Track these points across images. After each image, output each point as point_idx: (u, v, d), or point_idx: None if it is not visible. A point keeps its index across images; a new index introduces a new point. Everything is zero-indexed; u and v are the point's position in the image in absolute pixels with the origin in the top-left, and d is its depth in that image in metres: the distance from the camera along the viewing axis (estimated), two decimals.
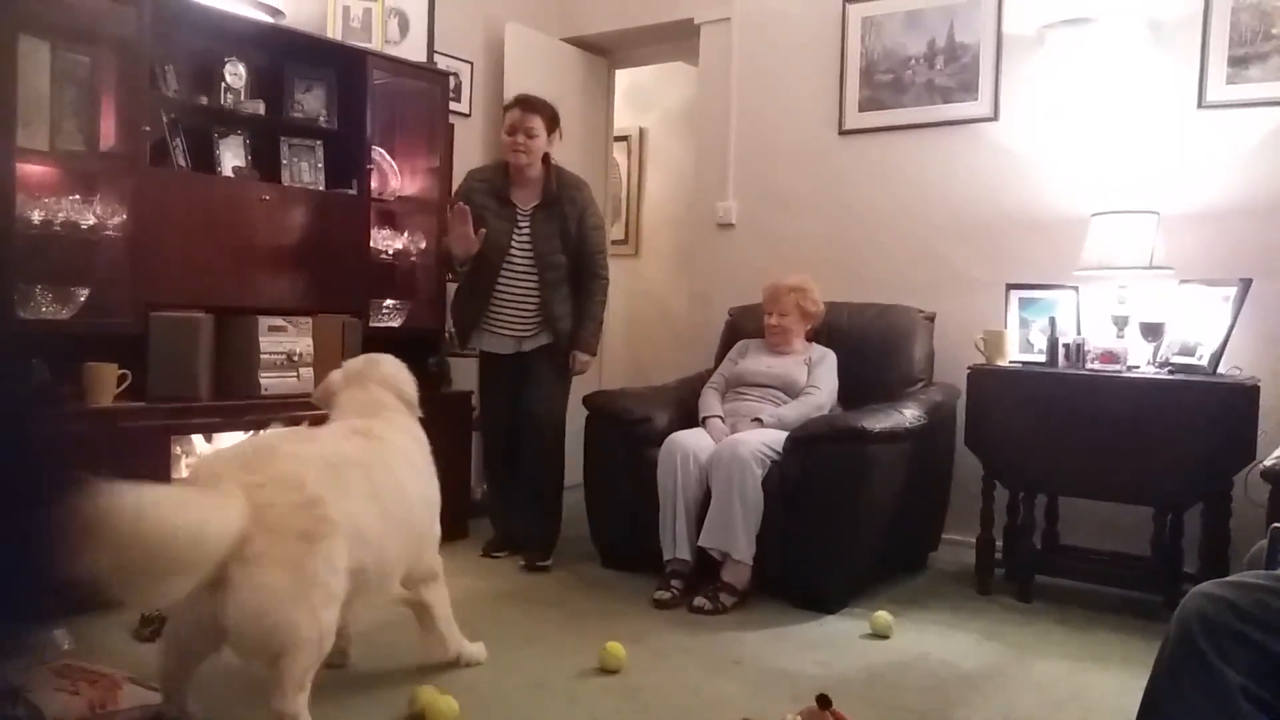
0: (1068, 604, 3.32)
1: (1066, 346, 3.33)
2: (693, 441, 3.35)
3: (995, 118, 3.90)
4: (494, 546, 3.83)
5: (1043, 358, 3.40)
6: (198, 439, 3.41)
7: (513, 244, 3.63)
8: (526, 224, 3.64)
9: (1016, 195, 3.87)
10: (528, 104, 3.63)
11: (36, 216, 3.00)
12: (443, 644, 2.57)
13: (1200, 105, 3.48)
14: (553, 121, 3.67)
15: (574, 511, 3.95)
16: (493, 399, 3.82)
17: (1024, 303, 3.59)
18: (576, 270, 3.70)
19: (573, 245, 3.66)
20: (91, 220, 3.11)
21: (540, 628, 2.97)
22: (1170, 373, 3.15)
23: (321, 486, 2.06)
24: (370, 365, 2.68)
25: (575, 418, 3.84)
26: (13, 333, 2.85)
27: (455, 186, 3.93)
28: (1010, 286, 3.63)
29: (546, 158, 3.68)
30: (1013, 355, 3.52)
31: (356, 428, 2.41)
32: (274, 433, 2.65)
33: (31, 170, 3.06)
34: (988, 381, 3.42)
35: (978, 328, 3.63)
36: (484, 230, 3.51)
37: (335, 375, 2.67)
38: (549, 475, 3.75)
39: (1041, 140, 3.81)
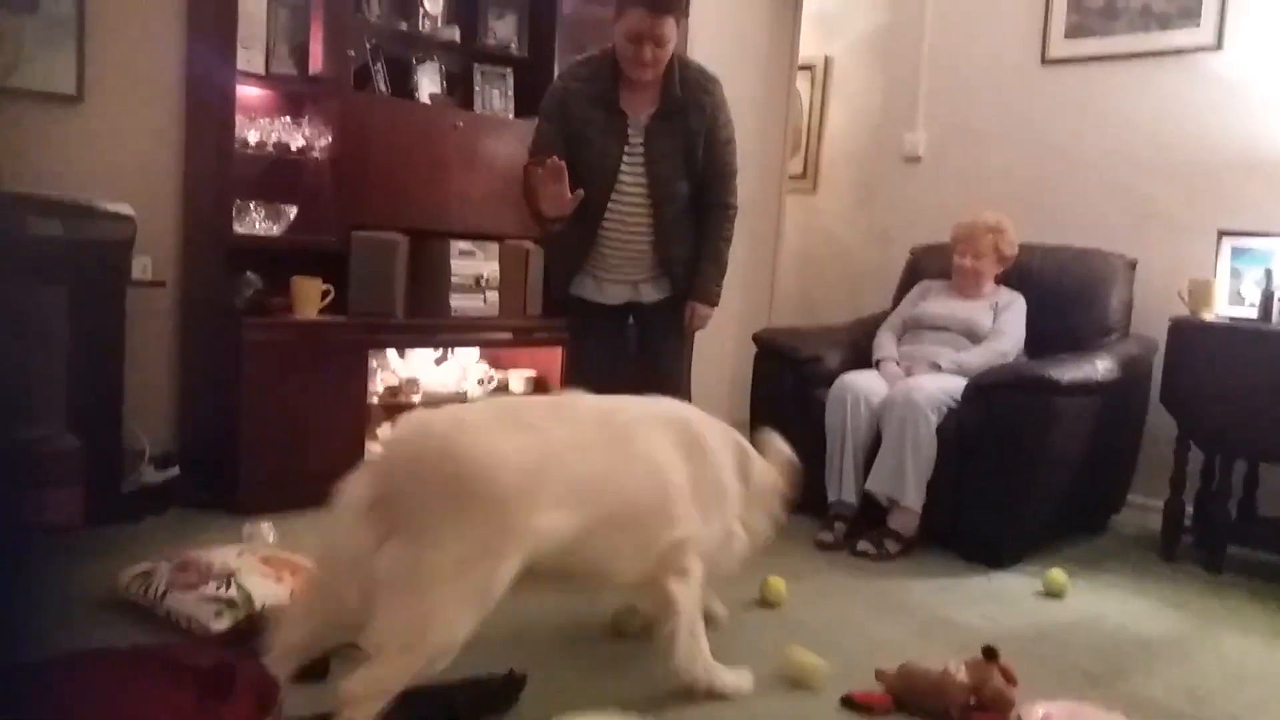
0: (1262, 578, 3.12)
1: None
2: (865, 384, 3.29)
3: (1218, 47, 3.58)
4: None
5: (1254, 312, 3.16)
6: (391, 353, 3.61)
7: (623, 165, 2.81)
8: (640, 140, 2.81)
9: (1237, 133, 3.56)
10: (659, 3, 2.65)
11: (253, 137, 3.21)
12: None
13: None
14: (683, 12, 2.86)
15: None
16: (596, 360, 2.98)
17: (1237, 252, 3.33)
18: (699, 197, 2.92)
19: (698, 167, 2.86)
20: (300, 142, 3.31)
21: None
22: None
23: None
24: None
25: (744, 357, 3.82)
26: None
27: None
28: (1223, 233, 3.37)
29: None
30: (1220, 308, 3.29)
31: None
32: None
33: (249, 92, 3.27)
34: (1191, 335, 3.21)
35: (1183, 277, 3.40)
36: (580, 192, 2.66)
37: None
38: None
39: (1270, 72, 3.47)
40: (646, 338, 3.01)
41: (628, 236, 2.88)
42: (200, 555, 2.37)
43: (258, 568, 2.32)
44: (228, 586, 2.22)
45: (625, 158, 2.81)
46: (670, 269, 2.93)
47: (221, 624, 2.15)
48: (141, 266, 3.08)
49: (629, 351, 3.03)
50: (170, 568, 2.31)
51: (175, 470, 3.18)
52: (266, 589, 2.24)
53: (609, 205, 2.84)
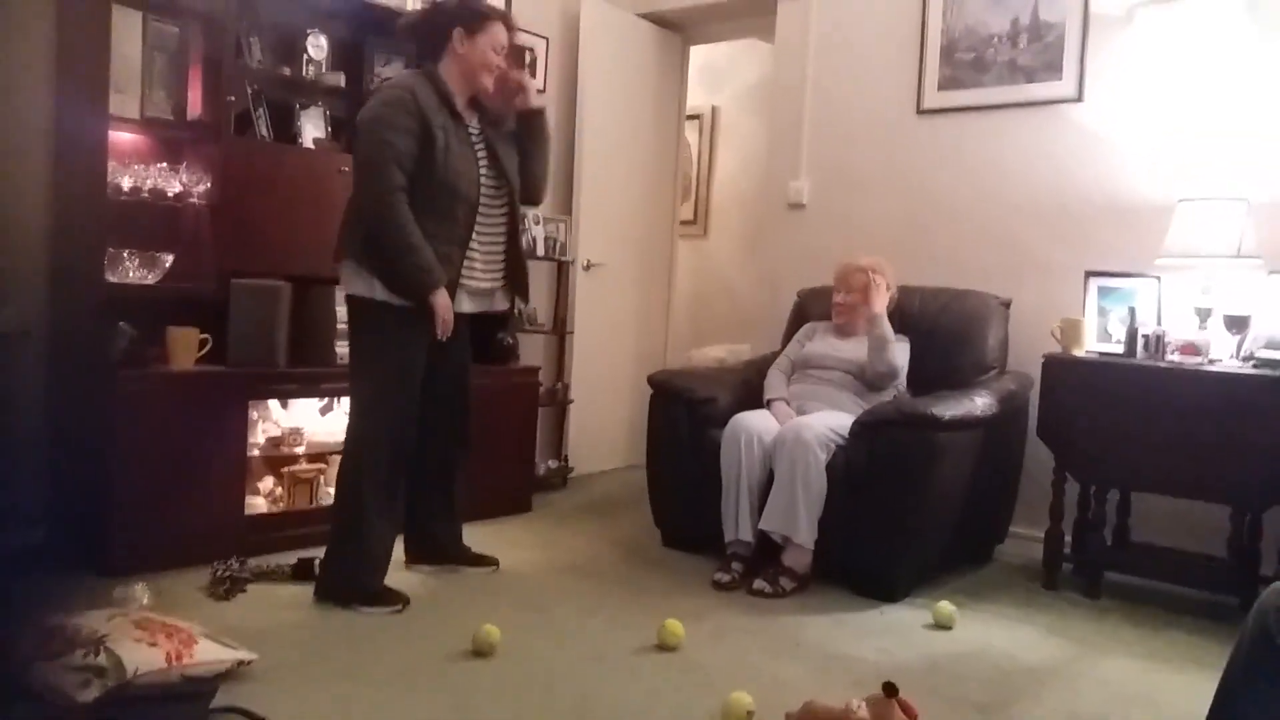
0: (1138, 602, 3.25)
1: (1146, 337, 3.25)
2: (757, 423, 3.33)
3: (1079, 99, 3.79)
4: (419, 558, 3.20)
5: (1121, 348, 3.31)
6: (274, 404, 3.50)
7: (481, 171, 2.93)
8: (483, 146, 2.96)
9: (1099, 179, 3.76)
10: (510, 20, 3.02)
11: (126, 183, 3.10)
12: None
13: None
14: None
15: (636, 490, 3.98)
16: (415, 372, 2.91)
17: (1103, 291, 3.50)
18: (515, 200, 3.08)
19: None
20: (178, 188, 3.21)
21: (600, 602, 3.00)
22: (1255, 367, 3.05)
23: None
24: None
25: (639, 399, 3.84)
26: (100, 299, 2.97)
27: None
28: (1089, 274, 3.54)
29: None
30: (1090, 345, 3.44)
31: None
32: None
33: (122, 138, 3.16)
34: (1063, 371, 3.35)
35: (1054, 316, 3.55)
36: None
37: None
38: (465, 456, 3.24)
39: (1127, 123, 3.69)
40: (453, 342, 2.93)
41: (490, 244, 3.01)
42: (66, 621, 2.23)
43: (130, 632, 2.19)
44: (96, 654, 2.09)
45: (481, 163, 2.93)
46: (520, 278, 3.10)
47: (89, 694, 2.01)
48: (5, 318, 2.92)
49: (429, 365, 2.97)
50: (32, 636, 2.17)
51: (40, 532, 3.00)
52: (140, 654, 2.12)
53: (479, 213, 2.94)
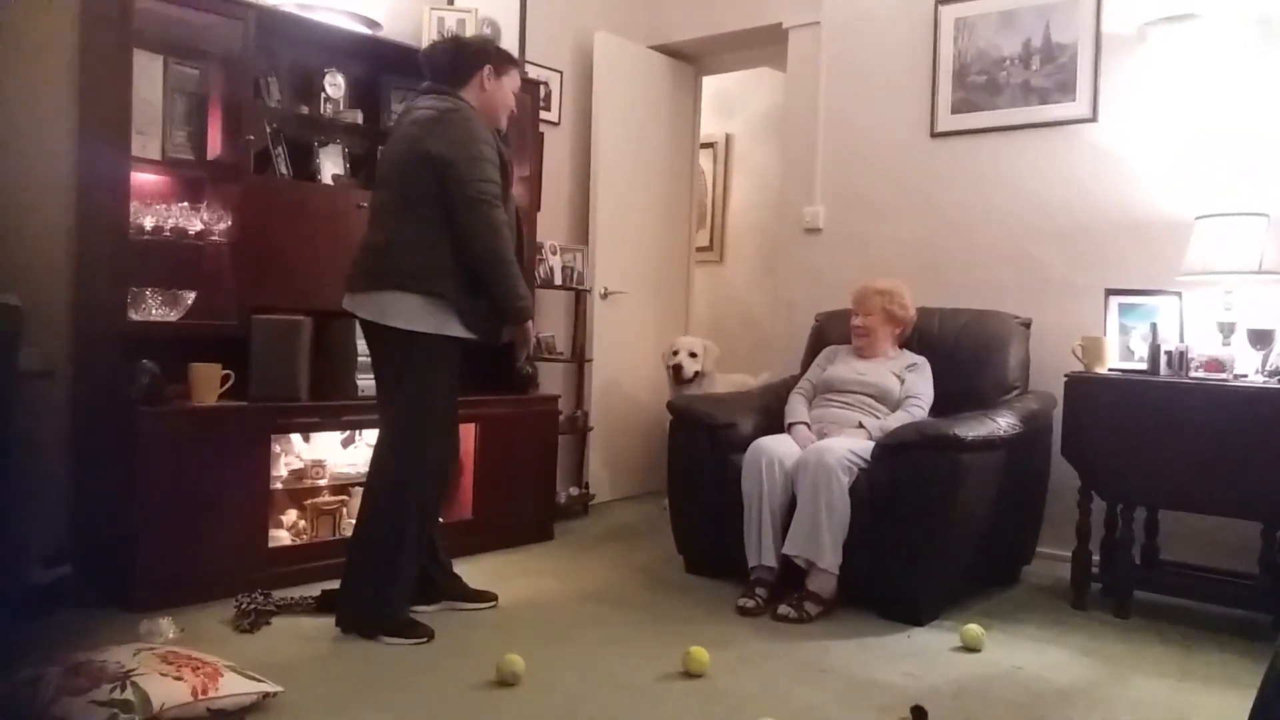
0: (1168, 621, 3.20)
1: (1169, 354, 3.22)
2: (778, 447, 3.32)
3: (1094, 118, 3.79)
4: (427, 597, 3.03)
5: (1144, 365, 3.29)
6: (296, 438, 3.52)
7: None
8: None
9: (1116, 198, 3.75)
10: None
11: (148, 223, 3.14)
12: None
13: None
14: None
15: (657, 517, 3.96)
16: (454, 406, 3.03)
17: (1124, 308, 3.48)
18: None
19: None
20: (199, 226, 3.25)
21: (623, 630, 2.98)
22: None
23: None
24: None
25: (657, 425, 3.83)
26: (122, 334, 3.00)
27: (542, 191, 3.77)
28: (1110, 292, 3.52)
29: None
30: (1112, 363, 3.42)
31: None
32: None
33: (144, 178, 3.21)
34: (1086, 389, 3.33)
35: (1075, 334, 3.53)
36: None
37: None
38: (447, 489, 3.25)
39: (1142, 141, 3.69)
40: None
41: None
42: (92, 657, 2.24)
43: (156, 666, 2.20)
44: (123, 689, 2.10)
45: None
46: None
47: None
48: (30, 358, 2.96)
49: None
50: (59, 672, 2.18)
51: (66, 568, 3.02)
52: (166, 688, 2.12)
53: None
